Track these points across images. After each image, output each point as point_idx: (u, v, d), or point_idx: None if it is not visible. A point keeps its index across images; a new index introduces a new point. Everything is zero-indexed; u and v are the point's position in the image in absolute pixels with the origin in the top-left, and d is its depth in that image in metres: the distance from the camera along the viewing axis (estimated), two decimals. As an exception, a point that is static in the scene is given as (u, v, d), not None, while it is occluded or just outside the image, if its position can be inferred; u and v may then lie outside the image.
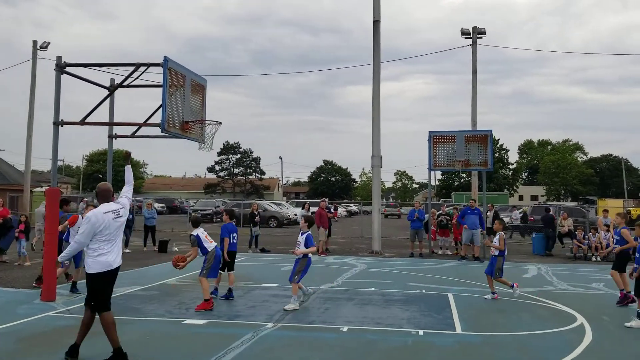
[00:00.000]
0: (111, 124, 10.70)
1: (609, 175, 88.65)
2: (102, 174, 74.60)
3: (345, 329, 7.97)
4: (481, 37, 27.04)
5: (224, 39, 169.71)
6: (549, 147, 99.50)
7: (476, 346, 7.21)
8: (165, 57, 9.26)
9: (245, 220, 25.49)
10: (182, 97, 9.89)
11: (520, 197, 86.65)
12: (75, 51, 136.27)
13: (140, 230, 21.10)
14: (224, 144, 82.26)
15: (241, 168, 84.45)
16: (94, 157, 79.46)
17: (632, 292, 9.16)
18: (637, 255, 8.87)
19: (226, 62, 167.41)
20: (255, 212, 19.54)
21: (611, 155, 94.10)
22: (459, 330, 8.05)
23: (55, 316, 8.51)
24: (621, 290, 10.27)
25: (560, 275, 14.28)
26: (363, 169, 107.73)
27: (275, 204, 40.96)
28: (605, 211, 20.05)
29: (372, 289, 11.51)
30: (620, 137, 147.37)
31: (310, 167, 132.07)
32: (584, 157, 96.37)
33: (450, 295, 10.78)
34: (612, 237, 17.89)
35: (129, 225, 19.44)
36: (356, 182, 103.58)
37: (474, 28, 26.82)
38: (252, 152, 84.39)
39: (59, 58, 9.52)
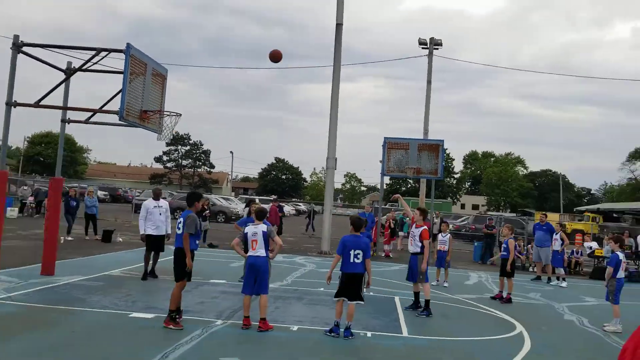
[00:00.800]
0: (66, 108, 10.36)
1: (547, 190, 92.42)
2: (44, 157, 71.78)
3: (295, 328, 8.04)
4: (437, 49, 27.73)
5: (172, 23, 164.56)
6: (492, 159, 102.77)
7: (422, 349, 7.43)
8: (128, 44, 9.06)
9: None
10: (142, 85, 9.70)
11: (462, 206, 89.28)
12: (11, 27, 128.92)
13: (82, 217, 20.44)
14: (173, 135, 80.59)
15: (190, 160, 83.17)
16: (36, 139, 76.28)
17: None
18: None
19: (174, 48, 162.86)
20: (206, 207, 19.33)
21: (550, 170, 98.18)
22: (405, 333, 8.26)
23: (-6, 303, 8.19)
24: (500, 292, 12.10)
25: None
26: (314, 168, 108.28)
27: (224, 198, 40.56)
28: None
29: (321, 289, 11.62)
30: (560, 154, 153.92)
31: (261, 163, 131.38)
32: (525, 170, 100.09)
33: (396, 299, 11.04)
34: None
35: (72, 213, 18.86)
36: (306, 181, 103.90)
37: (432, 39, 27.43)
38: (202, 145, 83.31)
39: (16, 37, 9.16)
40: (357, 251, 7.62)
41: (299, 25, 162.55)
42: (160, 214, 11.48)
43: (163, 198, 12.48)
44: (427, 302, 9.67)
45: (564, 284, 15.15)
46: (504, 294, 11.88)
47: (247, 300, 7.86)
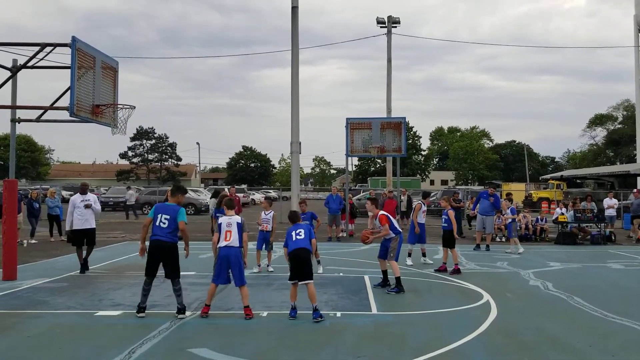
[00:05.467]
0: (14, 107, 10.03)
1: (512, 161, 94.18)
2: (3, 160, 69.77)
3: (264, 314, 8.04)
4: (395, 27, 27.76)
5: (126, 14, 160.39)
6: (458, 133, 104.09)
7: (391, 325, 7.51)
8: (73, 37, 8.80)
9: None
10: (92, 79, 9.45)
11: (432, 182, 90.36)
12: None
13: (46, 219, 19.97)
14: (137, 129, 79.31)
15: (156, 154, 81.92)
16: (-6, 143, 74.08)
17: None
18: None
19: (130, 40, 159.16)
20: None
21: (515, 141, 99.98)
22: (374, 310, 8.34)
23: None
24: (444, 264, 12.15)
25: (468, 255, 15.08)
26: (282, 154, 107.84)
27: (192, 190, 40.14)
28: (509, 194, 21.33)
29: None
30: (523, 124, 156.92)
31: (229, 152, 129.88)
32: (490, 143, 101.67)
33: (366, 277, 11.11)
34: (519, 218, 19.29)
35: (35, 215, 18.43)
36: (275, 167, 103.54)
37: (389, 17, 27.44)
38: (167, 138, 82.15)
39: (-48, 35, 8.83)
40: (298, 230, 7.96)
41: (258, 10, 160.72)
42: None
43: (90, 190, 13.32)
44: (397, 279, 9.74)
45: (521, 250, 15.67)
46: (451, 265, 11.90)
47: (213, 289, 7.86)
